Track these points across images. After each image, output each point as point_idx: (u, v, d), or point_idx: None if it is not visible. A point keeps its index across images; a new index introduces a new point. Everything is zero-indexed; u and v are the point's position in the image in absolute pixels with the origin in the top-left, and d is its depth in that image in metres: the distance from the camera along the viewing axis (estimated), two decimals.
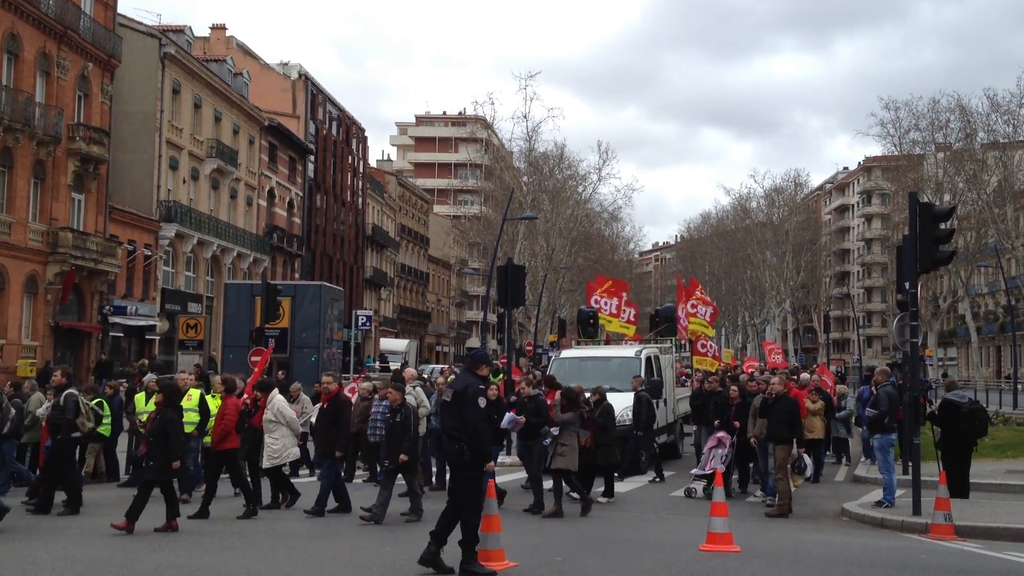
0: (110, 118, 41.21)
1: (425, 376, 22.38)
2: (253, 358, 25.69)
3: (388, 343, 68.22)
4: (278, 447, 13.84)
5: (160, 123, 44.94)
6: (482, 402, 9.98)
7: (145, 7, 73.17)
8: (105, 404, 15.67)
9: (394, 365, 40.00)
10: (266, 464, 14.03)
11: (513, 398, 17.07)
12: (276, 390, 14.66)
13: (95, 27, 39.74)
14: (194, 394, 14.78)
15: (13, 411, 14.51)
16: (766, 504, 15.26)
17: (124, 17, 44.63)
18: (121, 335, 41.97)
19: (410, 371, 16.53)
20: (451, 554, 9.62)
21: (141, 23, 46.81)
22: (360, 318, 47.45)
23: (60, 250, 36.33)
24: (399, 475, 13.19)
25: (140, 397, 15.22)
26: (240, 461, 14.04)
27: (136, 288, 43.31)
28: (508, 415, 14.84)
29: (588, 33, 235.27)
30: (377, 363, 51.91)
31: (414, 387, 15.30)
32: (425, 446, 16.14)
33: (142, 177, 44.44)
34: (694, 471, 16.68)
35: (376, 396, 16.07)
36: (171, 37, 46.96)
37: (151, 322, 43.67)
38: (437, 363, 67.61)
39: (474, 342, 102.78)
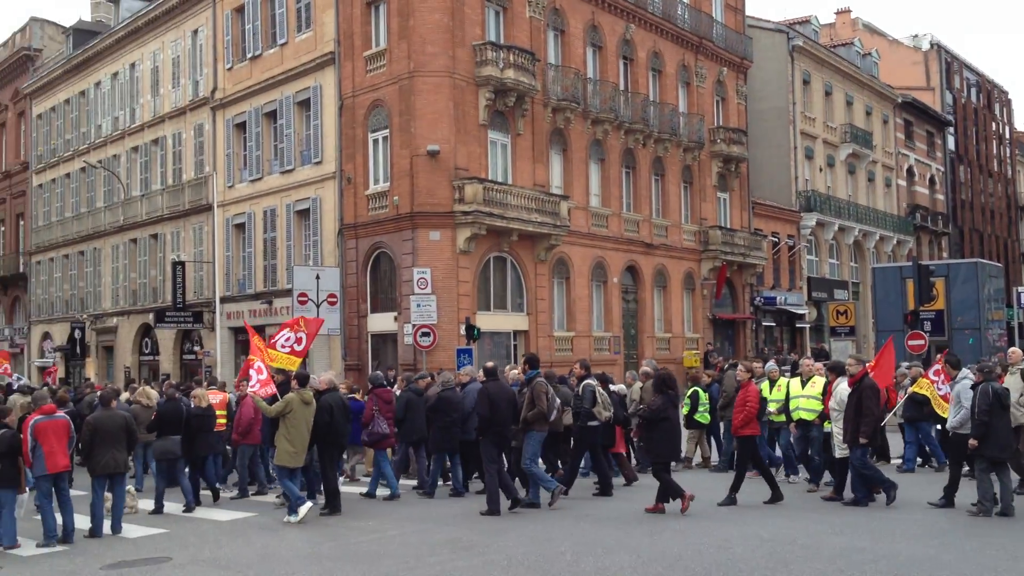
0: (746, 117, 42.90)
1: None
2: (911, 342, 24.90)
3: None
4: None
5: (793, 115, 45.70)
6: None
7: (770, 4, 75.03)
8: (701, 392, 17.14)
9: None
10: (838, 454, 13.39)
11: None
12: (839, 376, 13.79)
13: (727, 33, 41.70)
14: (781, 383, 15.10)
15: (558, 401, 15.24)
16: None
17: (751, 18, 46.17)
18: (772, 324, 43.58)
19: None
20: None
21: (768, 21, 48.14)
22: (1021, 295, 43.45)
23: (711, 247, 38.74)
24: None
25: (765, 386, 15.58)
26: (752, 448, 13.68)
27: (783, 278, 44.56)
28: None
29: None
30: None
31: None
32: None
33: (779, 170, 45.60)
34: None
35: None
36: (798, 30, 47.64)
37: (799, 310, 44.67)
38: None
39: None
